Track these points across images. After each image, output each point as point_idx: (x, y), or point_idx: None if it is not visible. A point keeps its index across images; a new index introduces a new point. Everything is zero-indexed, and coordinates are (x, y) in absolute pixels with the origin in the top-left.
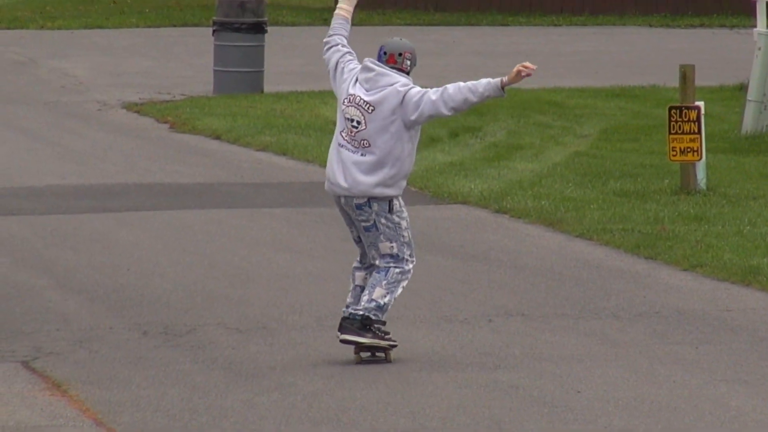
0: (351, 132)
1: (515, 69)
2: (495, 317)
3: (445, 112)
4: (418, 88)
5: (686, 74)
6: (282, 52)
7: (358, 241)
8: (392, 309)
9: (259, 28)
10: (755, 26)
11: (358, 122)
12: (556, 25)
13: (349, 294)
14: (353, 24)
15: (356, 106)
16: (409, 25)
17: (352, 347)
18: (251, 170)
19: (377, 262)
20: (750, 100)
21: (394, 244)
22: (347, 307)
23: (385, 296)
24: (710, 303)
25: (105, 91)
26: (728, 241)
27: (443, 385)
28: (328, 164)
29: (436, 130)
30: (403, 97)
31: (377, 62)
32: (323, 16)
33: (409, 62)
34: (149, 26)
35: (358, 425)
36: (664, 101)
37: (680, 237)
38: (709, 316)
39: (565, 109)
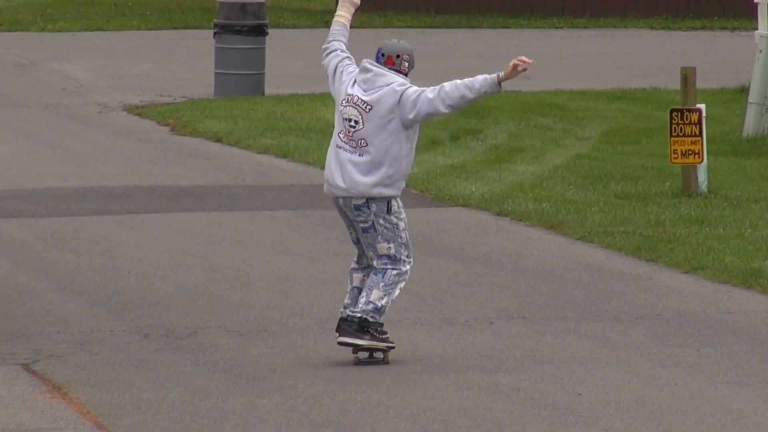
0: (349, 132)
1: (511, 63)
2: (496, 320)
3: (443, 109)
4: (415, 87)
5: (687, 77)
6: (283, 54)
7: (357, 241)
8: (393, 311)
9: (260, 31)
10: (756, 28)
11: (356, 122)
12: (557, 27)
13: (347, 295)
14: (354, 26)
15: (354, 105)
16: (410, 27)
17: (351, 349)
18: (252, 173)
19: (375, 263)
20: (751, 103)
21: (391, 245)
22: (345, 307)
23: (383, 298)
24: (711, 306)
25: (106, 93)
26: (729, 243)
27: (444, 388)
28: (326, 166)
29: (437, 132)
30: (401, 96)
31: (375, 63)
32: (324, 18)
33: (407, 64)
34: (150, 29)
35: (359, 428)
36: (666, 104)
37: (681, 240)
38: (710, 319)
39: (567, 111)
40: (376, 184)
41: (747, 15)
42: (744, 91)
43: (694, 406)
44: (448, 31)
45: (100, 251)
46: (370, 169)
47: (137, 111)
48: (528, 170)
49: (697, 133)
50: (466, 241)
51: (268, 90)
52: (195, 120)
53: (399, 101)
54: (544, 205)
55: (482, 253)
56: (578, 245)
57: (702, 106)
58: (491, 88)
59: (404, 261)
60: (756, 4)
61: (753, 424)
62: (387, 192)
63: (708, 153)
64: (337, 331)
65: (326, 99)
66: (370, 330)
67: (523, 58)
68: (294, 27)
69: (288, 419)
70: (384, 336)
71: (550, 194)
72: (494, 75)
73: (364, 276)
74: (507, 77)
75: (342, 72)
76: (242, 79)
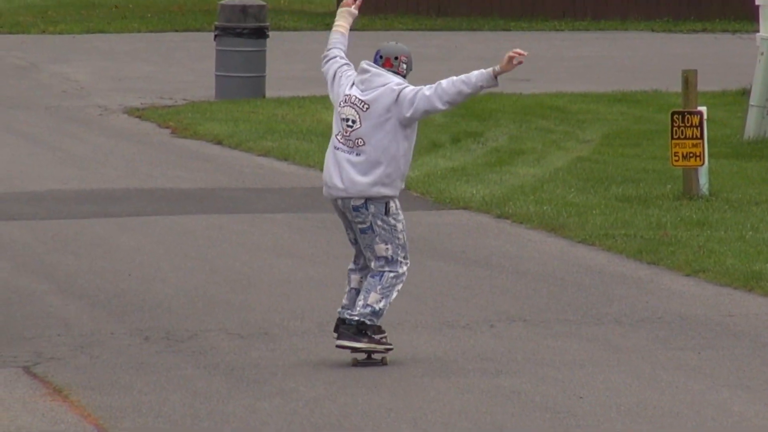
0: (346, 132)
1: (507, 56)
2: (497, 323)
3: (440, 106)
4: (412, 86)
5: (689, 79)
6: (284, 57)
7: (354, 242)
8: (394, 314)
9: (260, 33)
10: (758, 31)
11: (353, 121)
12: (558, 30)
13: (345, 296)
14: (355, 29)
15: (351, 105)
16: (411, 30)
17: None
18: (253, 175)
19: (372, 265)
20: (752, 105)
21: (389, 246)
22: (343, 308)
23: (380, 301)
24: (712, 308)
25: (106, 95)
26: (730, 246)
27: (445, 391)
28: (324, 169)
29: (438, 135)
30: (398, 94)
31: (373, 64)
32: (325, 20)
33: (405, 66)
34: (151, 31)
35: (360, 431)
36: (667, 106)
37: (682, 242)
38: (711, 322)
39: (567, 114)
40: (374, 183)
41: (748, 17)
42: (745, 93)
43: (696, 409)
44: (449, 33)
45: (101, 254)
46: (367, 168)
47: (138, 113)
48: (529, 173)
49: (698, 136)
50: (466, 243)
51: (269, 92)
52: (196, 122)
53: (396, 100)
54: (545, 207)
55: (483, 255)
56: (579, 248)
57: (703, 109)
58: (487, 82)
59: (401, 262)
60: (757, 6)
61: (754, 427)
62: (386, 191)
63: (709, 156)
64: (335, 331)
65: (327, 102)
66: (368, 333)
67: (518, 50)
68: (295, 29)
69: (289, 422)
70: (382, 337)
71: (551, 197)
72: (490, 69)
73: (361, 277)
74: (503, 70)
75: (341, 76)
76: (243, 82)
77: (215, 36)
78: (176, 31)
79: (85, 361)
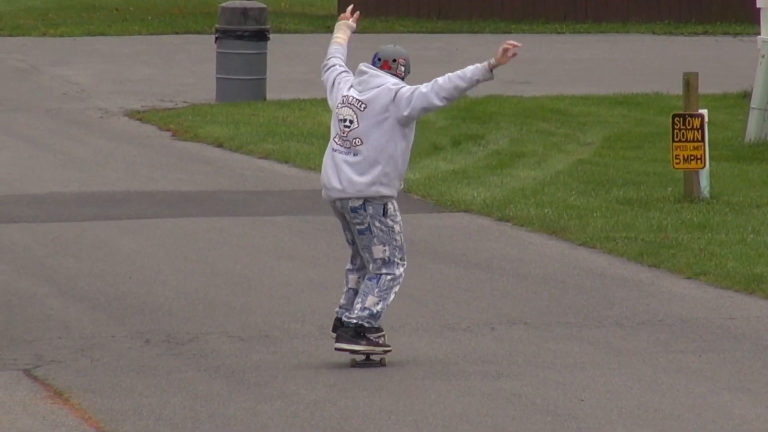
0: (343, 132)
1: (501, 48)
2: (498, 325)
3: (437, 102)
4: (409, 86)
5: (690, 82)
6: (284, 59)
7: (352, 242)
8: (395, 317)
9: (261, 36)
10: (759, 34)
11: (351, 121)
12: (559, 32)
13: (343, 296)
14: (356, 32)
15: (349, 105)
16: (412, 32)
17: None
18: (253, 178)
19: (370, 267)
20: (753, 108)
21: (386, 248)
22: (340, 307)
23: (378, 304)
24: (714, 311)
25: (107, 98)
26: (732, 249)
27: (446, 394)
28: (322, 172)
29: (439, 137)
30: (395, 94)
31: (371, 66)
32: (326, 23)
33: (403, 68)
34: (152, 33)
35: None
36: (668, 109)
37: (683, 245)
38: (712, 325)
39: (568, 116)
40: (372, 183)
41: (749, 20)
42: (746, 96)
43: (697, 412)
44: (450, 36)
45: (101, 256)
46: (365, 168)
47: (138, 116)
48: (530, 175)
49: (699, 139)
50: (467, 246)
51: (270, 95)
52: (196, 125)
53: (394, 99)
54: (545, 210)
55: (484, 258)
56: (580, 251)
57: (704, 112)
58: (483, 75)
59: (398, 264)
60: (759, 9)
61: (755, 430)
62: (384, 191)
63: (710, 158)
64: (333, 331)
65: (328, 104)
66: (366, 335)
67: (512, 41)
68: (295, 32)
69: (290, 425)
70: (380, 335)
71: (551, 200)
72: (485, 62)
73: (359, 277)
74: (498, 63)
75: (340, 82)
76: (244, 84)
77: (216, 38)
78: (177, 33)
79: (85, 364)
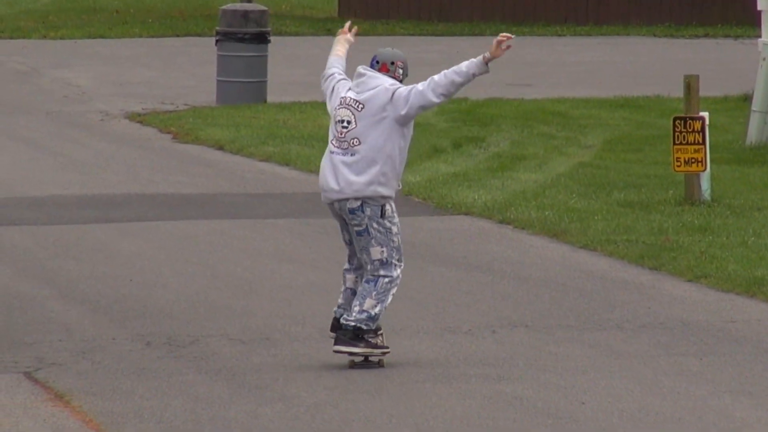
0: (341, 133)
1: (495, 41)
2: (499, 328)
3: (434, 99)
4: (406, 86)
5: (690, 85)
6: (285, 62)
7: (349, 242)
8: (395, 320)
9: (262, 38)
10: (760, 36)
11: (349, 122)
12: (560, 35)
13: (341, 295)
14: (358, 35)
15: (347, 106)
16: (413, 35)
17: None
18: (254, 181)
19: (368, 268)
20: (754, 111)
21: (384, 249)
22: (338, 307)
23: (376, 306)
24: (714, 314)
25: (108, 101)
26: (732, 252)
27: (447, 397)
28: (320, 174)
29: (440, 140)
30: (392, 94)
31: (369, 68)
32: (326, 26)
33: (401, 71)
34: (152, 36)
35: None
36: (669, 112)
37: (684, 248)
38: (713, 328)
39: (569, 119)
40: (371, 183)
41: (750, 23)
42: (747, 99)
43: (698, 414)
44: (451, 38)
45: (102, 259)
46: (363, 167)
47: (139, 118)
48: (531, 178)
49: (700, 141)
50: (468, 249)
51: (271, 98)
52: (197, 128)
53: (391, 99)
54: (546, 213)
55: (485, 261)
56: (581, 253)
57: (705, 114)
58: (478, 69)
59: (395, 265)
60: (759, 11)
61: None
62: (382, 191)
63: (711, 161)
64: (331, 330)
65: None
66: (365, 337)
67: (505, 34)
68: (296, 35)
69: (291, 428)
70: (379, 333)
71: (552, 202)
72: (480, 56)
73: (356, 276)
74: (493, 56)
75: (338, 88)
76: (244, 87)
77: (216, 41)
78: (177, 36)
79: (86, 366)
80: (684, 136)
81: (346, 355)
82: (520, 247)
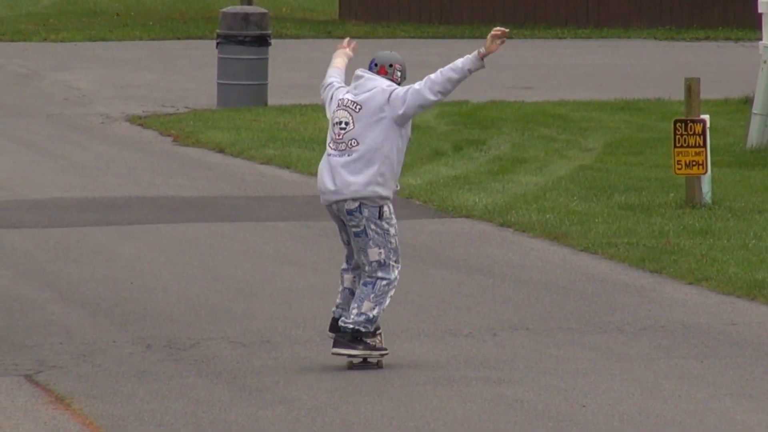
0: (339, 135)
1: (489, 36)
2: (499, 331)
3: (432, 97)
4: (403, 87)
5: (691, 87)
6: (286, 65)
7: (347, 243)
8: (396, 323)
9: (263, 41)
10: (761, 39)
11: (346, 123)
12: (560, 37)
13: (339, 295)
14: (357, 37)
15: (344, 107)
16: (413, 37)
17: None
18: (255, 183)
19: (366, 269)
20: (755, 114)
21: (382, 250)
22: (337, 306)
23: (374, 309)
24: (715, 317)
25: (108, 103)
26: (733, 254)
27: (447, 399)
28: (318, 177)
29: (440, 143)
30: (390, 94)
31: (367, 71)
32: (327, 29)
33: (399, 73)
34: (153, 39)
35: None
36: (669, 114)
37: (685, 251)
38: (714, 330)
39: (570, 122)
40: (369, 183)
41: (751, 25)
42: (748, 102)
43: (698, 417)
44: (452, 41)
45: (103, 262)
46: (361, 168)
47: (140, 121)
48: (531, 181)
49: (701, 144)
50: (469, 252)
51: (271, 100)
52: (198, 130)
53: (389, 99)
54: (547, 216)
55: (485, 264)
56: (582, 256)
57: (706, 117)
58: (474, 64)
59: (393, 267)
60: (760, 14)
61: None
62: (380, 191)
63: (712, 164)
64: (330, 330)
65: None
66: (363, 339)
67: (500, 28)
68: (297, 37)
69: (291, 431)
70: (377, 333)
71: (553, 205)
72: (475, 52)
73: (354, 276)
74: (489, 51)
75: (337, 94)
76: (245, 90)
77: (217, 44)
78: (178, 38)
79: (87, 369)
80: (685, 139)
81: (344, 357)
82: (521, 249)
